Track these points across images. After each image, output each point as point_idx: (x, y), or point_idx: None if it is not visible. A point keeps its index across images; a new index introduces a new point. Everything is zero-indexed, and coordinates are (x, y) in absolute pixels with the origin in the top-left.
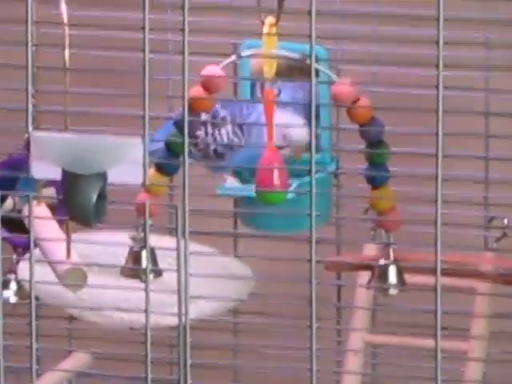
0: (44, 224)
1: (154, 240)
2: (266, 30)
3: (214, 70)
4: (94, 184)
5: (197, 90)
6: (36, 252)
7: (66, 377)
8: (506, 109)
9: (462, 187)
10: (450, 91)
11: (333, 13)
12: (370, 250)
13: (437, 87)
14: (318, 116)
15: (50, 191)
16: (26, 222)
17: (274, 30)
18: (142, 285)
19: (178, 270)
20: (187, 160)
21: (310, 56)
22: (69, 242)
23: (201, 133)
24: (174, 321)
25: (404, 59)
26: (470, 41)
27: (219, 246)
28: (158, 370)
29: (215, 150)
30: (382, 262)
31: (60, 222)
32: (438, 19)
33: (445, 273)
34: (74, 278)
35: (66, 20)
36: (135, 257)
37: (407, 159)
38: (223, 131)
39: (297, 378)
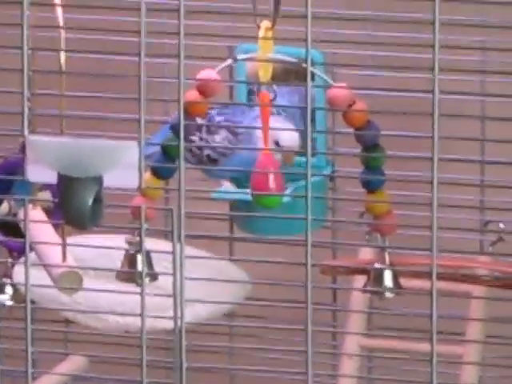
0: (39, 227)
1: (149, 244)
2: (261, 33)
3: (209, 73)
4: (90, 188)
5: (192, 94)
6: (31, 256)
7: (61, 380)
8: (501, 113)
9: (458, 191)
10: (446, 95)
11: (328, 17)
12: (366, 254)
13: (432, 91)
14: (313, 120)
15: (46, 195)
16: (21, 225)
17: (269, 33)
18: (138, 288)
19: (174, 274)
20: (183, 164)
21: (306, 60)
22: (64, 245)
23: (195, 138)
24: (169, 324)
25: (400, 63)
26: (466, 45)
27: (215, 249)
28: (153, 374)
29: (208, 156)
30: (377, 265)
31: (55, 226)
32: (433, 23)
33: (440, 277)
34: (70, 281)
35: (61, 23)
36: (131, 260)
37: (403, 163)
38: (217, 137)
39: (292, 382)
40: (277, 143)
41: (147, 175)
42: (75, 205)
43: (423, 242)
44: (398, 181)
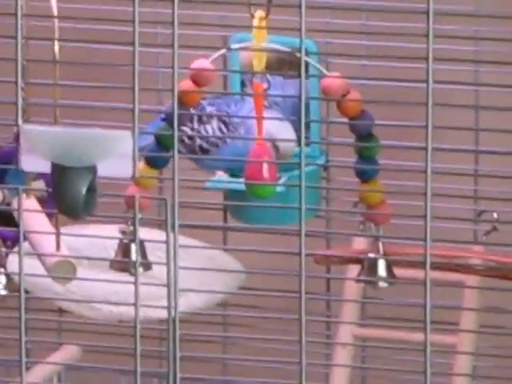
0: (33, 217)
1: (143, 233)
2: (255, 23)
3: (203, 63)
4: (84, 177)
5: (186, 84)
6: (25, 245)
7: (55, 370)
8: (495, 102)
9: (452, 181)
10: (440, 85)
11: (322, 6)
12: (360, 244)
13: (426, 81)
14: (307, 109)
15: (40, 184)
16: (15, 214)
17: (263, 23)
18: (132, 278)
19: (168, 263)
20: (177, 153)
21: (299, 49)
22: (58, 235)
23: (187, 129)
24: (163, 314)
25: (394, 53)
26: (459, 34)
27: (209, 239)
28: (147, 363)
29: (200, 146)
30: (371, 255)
31: (49, 215)
32: (427, 13)
33: (434, 266)
34: (63, 270)
35: (55, 13)
36: (124, 250)
37: (397, 152)
38: (208, 127)
39: (286, 371)
40: (276, 148)
41: (141, 165)
42: (69, 194)
43: (417, 231)
44: (391, 170)
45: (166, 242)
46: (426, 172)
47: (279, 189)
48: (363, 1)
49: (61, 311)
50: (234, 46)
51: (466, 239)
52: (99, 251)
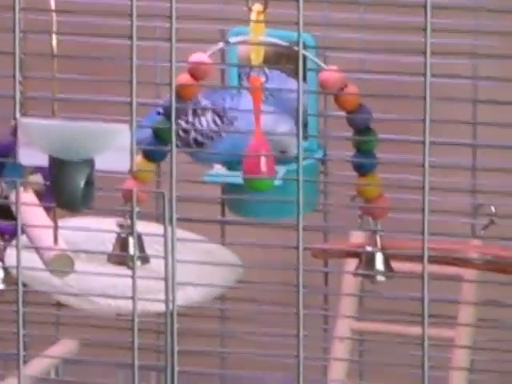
0: (31, 210)
1: (141, 226)
2: (253, 17)
3: (200, 57)
4: (82, 170)
5: (184, 78)
6: (23, 238)
7: (53, 363)
8: (493, 96)
9: (450, 174)
10: (438, 78)
11: (320, 0)
12: (357, 238)
13: (424, 74)
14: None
15: (37, 178)
16: (13, 208)
17: (261, 17)
18: (130, 271)
19: (166, 257)
20: (174, 147)
21: (297, 43)
22: (56, 228)
23: (181, 121)
24: (161, 307)
25: (391, 46)
26: (457, 28)
27: (206, 233)
28: (145, 357)
29: (195, 139)
30: (369, 249)
31: (47, 209)
32: (425, 6)
33: (432, 260)
34: (61, 264)
35: (53, 6)
36: (122, 243)
37: (395, 146)
38: (203, 120)
39: (284, 365)
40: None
41: (139, 158)
42: (67, 188)
43: (415, 225)
44: (389, 164)
45: (164, 236)
46: (423, 166)
47: (277, 182)
48: None
49: (59, 305)
50: (232, 39)
51: (464, 233)
52: (97, 245)
